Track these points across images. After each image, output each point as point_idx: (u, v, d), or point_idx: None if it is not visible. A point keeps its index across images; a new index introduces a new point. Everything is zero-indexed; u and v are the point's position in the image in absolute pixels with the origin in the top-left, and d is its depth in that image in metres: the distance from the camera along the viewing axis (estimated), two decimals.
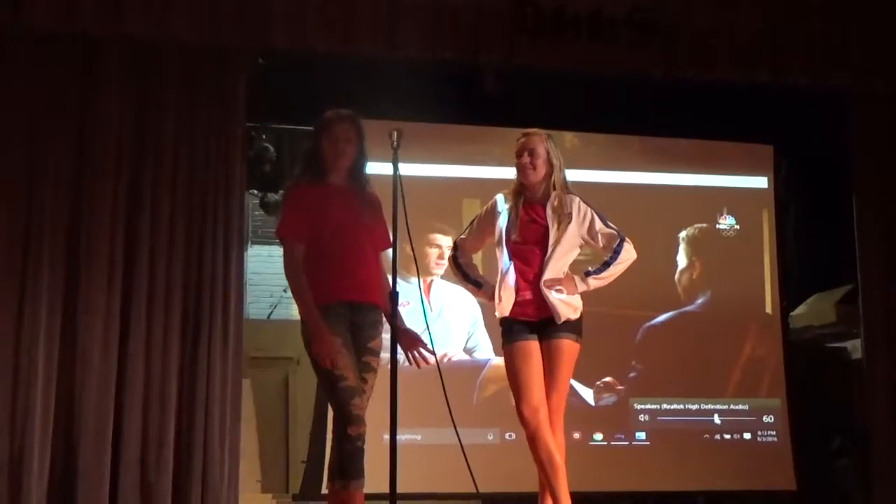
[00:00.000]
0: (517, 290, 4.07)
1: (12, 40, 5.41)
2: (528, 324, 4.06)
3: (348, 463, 3.67)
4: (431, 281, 6.26)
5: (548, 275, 4.04)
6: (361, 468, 3.69)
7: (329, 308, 3.76)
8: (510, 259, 4.10)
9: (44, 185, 5.39)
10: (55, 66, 5.47)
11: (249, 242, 7.80)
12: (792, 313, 7.02)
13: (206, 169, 5.66)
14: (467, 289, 4.44)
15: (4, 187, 5.35)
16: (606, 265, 4.14)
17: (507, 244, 4.12)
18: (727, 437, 6.57)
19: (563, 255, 4.09)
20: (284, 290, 8.09)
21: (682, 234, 6.71)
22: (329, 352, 3.68)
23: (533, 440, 3.96)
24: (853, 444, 6.52)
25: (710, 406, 6.58)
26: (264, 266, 8.20)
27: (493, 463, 5.64)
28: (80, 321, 5.34)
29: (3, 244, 5.31)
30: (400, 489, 3.66)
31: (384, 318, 3.92)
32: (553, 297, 4.02)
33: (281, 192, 6.69)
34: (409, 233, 3.79)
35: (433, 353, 3.96)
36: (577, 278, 4.09)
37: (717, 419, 6.58)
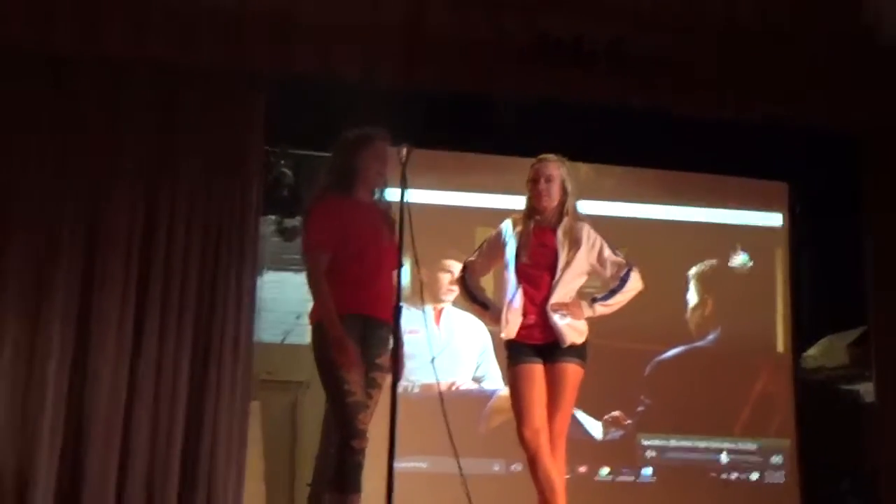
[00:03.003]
0: (524, 313, 4.10)
1: (34, 61, 5.51)
2: (533, 347, 4.09)
3: (349, 476, 3.69)
4: (442, 309, 6.26)
5: (555, 299, 4.08)
6: (360, 482, 3.72)
7: (343, 319, 3.79)
8: (518, 282, 4.14)
9: (62, 204, 5.48)
10: (75, 87, 5.57)
11: (265, 268, 7.83)
12: (804, 353, 6.98)
13: (224, 192, 5.73)
14: (473, 310, 4.48)
15: (23, 206, 5.43)
16: (613, 293, 4.19)
17: (515, 267, 4.16)
18: (734, 475, 6.51)
19: (571, 279, 4.13)
20: (297, 317, 8.10)
21: (694, 270, 6.70)
22: (351, 360, 3.73)
23: (533, 463, 3.98)
24: (862, 487, 6.45)
25: (718, 444, 6.53)
26: (279, 292, 8.22)
27: (498, 494, 5.62)
28: (93, 338, 5.40)
29: (21, 261, 5.40)
30: None
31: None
32: (559, 320, 4.05)
33: (298, 217, 6.74)
34: (416, 257, 3.83)
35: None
36: (583, 304, 4.13)
37: (724, 457, 6.52)
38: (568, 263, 4.11)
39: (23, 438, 5.22)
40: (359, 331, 3.84)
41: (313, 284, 3.87)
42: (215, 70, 5.70)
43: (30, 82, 5.53)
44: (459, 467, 4.04)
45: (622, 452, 6.41)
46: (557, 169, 4.23)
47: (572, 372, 4.06)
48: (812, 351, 7.05)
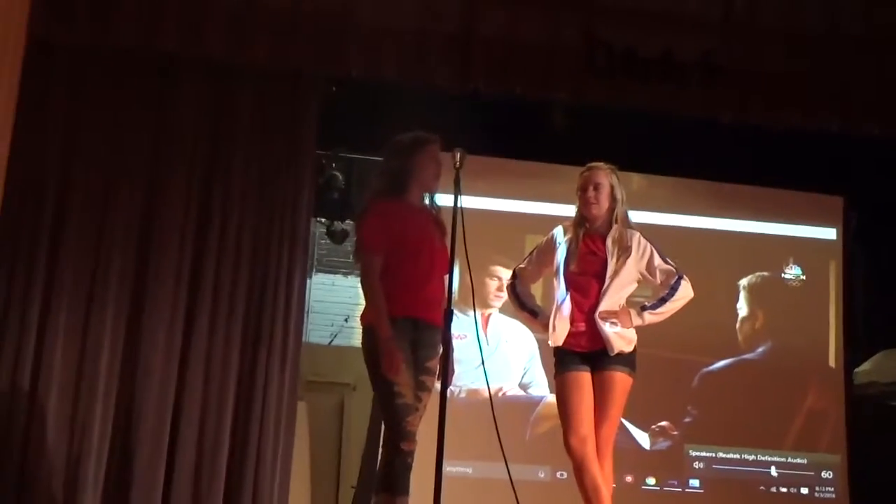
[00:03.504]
0: (572, 321, 4.09)
1: (95, 58, 5.60)
2: (580, 354, 4.07)
3: (397, 478, 3.71)
4: (489, 315, 6.26)
5: (603, 306, 4.06)
6: (408, 484, 3.73)
7: (395, 321, 3.81)
8: (567, 289, 4.13)
9: (116, 200, 5.54)
10: (132, 83, 5.63)
11: (314, 270, 7.89)
12: (856, 369, 6.87)
13: (275, 193, 5.76)
14: (523, 317, 4.47)
15: (80, 200, 5.51)
16: (663, 301, 4.16)
17: (564, 274, 4.15)
18: (784, 490, 6.43)
19: (620, 288, 4.11)
20: (345, 320, 8.16)
21: (746, 282, 6.62)
22: (397, 365, 3.73)
23: (579, 471, 3.96)
24: None
25: (767, 457, 6.45)
26: (327, 294, 8.27)
27: (543, 501, 5.61)
28: (144, 334, 5.46)
29: (76, 255, 5.47)
30: None
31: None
32: (607, 328, 4.03)
33: (348, 221, 6.77)
34: (468, 264, 3.82)
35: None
36: (632, 312, 4.11)
37: (773, 471, 6.44)
38: (617, 272, 4.10)
39: (74, 431, 5.29)
40: (410, 334, 3.85)
41: (367, 287, 3.89)
42: (269, 72, 5.73)
43: (86, 80, 5.61)
44: (509, 473, 4.03)
45: (669, 463, 6.35)
46: (606, 177, 4.22)
47: (620, 380, 4.04)
48: (864, 366, 6.94)
